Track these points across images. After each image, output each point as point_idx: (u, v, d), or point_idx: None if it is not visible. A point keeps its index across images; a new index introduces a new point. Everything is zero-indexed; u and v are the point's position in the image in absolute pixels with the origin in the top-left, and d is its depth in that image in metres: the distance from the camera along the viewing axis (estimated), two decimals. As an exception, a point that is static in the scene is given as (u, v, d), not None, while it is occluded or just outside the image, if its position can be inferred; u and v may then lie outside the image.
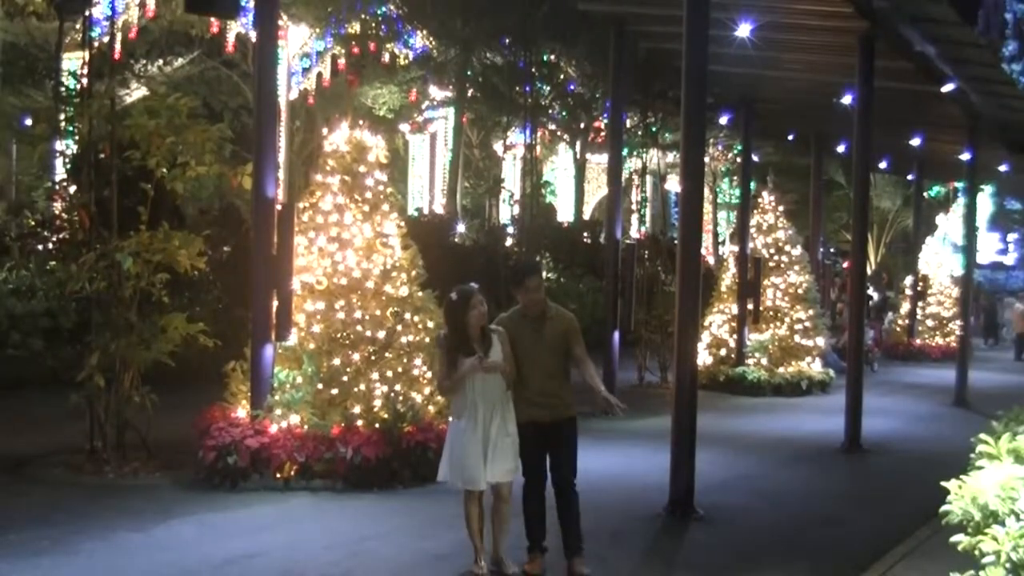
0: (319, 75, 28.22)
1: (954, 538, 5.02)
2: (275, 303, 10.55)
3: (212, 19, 22.80)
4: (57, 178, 19.35)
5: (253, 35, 13.60)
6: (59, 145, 15.22)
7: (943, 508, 5.13)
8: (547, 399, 7.51)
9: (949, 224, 40.18)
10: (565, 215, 38.67)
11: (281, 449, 10.11)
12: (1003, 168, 29.90)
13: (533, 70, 31.54)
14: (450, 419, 7.52)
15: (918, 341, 30.05)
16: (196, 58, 27.07)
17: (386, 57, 29.50)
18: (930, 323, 30.66)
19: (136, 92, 24.43)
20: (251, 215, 11.72)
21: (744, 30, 14.95)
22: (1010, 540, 4.61)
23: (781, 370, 20.06)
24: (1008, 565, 4.60)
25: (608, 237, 17.32)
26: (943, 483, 5.24)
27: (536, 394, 7.47)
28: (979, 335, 35.27)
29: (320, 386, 10.71)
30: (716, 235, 44.62)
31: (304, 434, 10.29)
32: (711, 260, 37.58)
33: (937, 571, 5.23)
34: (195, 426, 10.61)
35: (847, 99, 17.53)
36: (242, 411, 10.63)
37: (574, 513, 7.61)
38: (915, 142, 25.12)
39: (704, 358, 19.60)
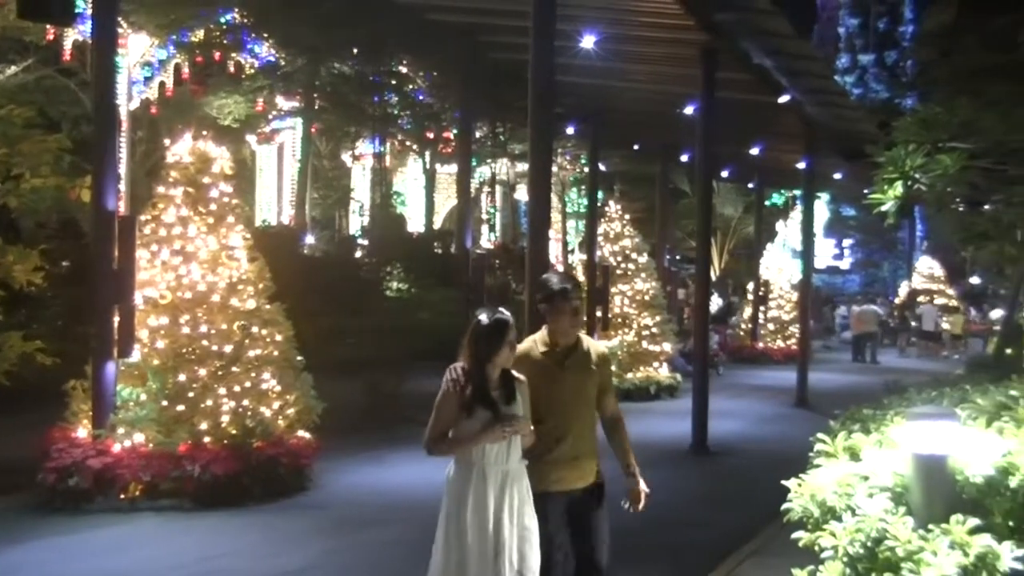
0: (162, 84, 27.50)
1: (795, 535, 5.18)
2: (117, 319, 10.26)
3: (48, 26, 22.09)
4: None
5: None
6: None
7: (784, 506, 5.29)
8: (578, 461, 5.51)
9: (788, 230, 41.56)
10: (416, 225, 38.56)
11: (126, 469, 9.85)
12: (838, 176, 31.05)
13: (382, 80, 31.44)
14: (445, 498, 5.32)
15: (761, 344, 30.86)
16: (31, 66, 26.15)
17: (232, 66, 29.00)
18: (771, 327, 31.54)
19: (-34, 100, 23.46)
20: (91, 228, 11.38)
21: (589, 41, 15.16)
22: (847, 535, 4.77)
23: (630, 375, 20.29)
24: (845, 559, 4.76)
25: (459, 247, 17.36)
26: (784, 482, 5.41)
27: (564, 454, 5.46)
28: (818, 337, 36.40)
29: (165, 403, 10.45)
30: (565, 244, 45.10)
31: (150, 452, 10.03)
32: (560, 268, 37.99)
33: (782, 566, 5.38)
34: (35, 448, 10.22)
35: (691, 110, 17.94)
36: (84, 431, 10.29)
37: None
38: (756, 151, 25.89)
39: (556, 365, 19.75)
